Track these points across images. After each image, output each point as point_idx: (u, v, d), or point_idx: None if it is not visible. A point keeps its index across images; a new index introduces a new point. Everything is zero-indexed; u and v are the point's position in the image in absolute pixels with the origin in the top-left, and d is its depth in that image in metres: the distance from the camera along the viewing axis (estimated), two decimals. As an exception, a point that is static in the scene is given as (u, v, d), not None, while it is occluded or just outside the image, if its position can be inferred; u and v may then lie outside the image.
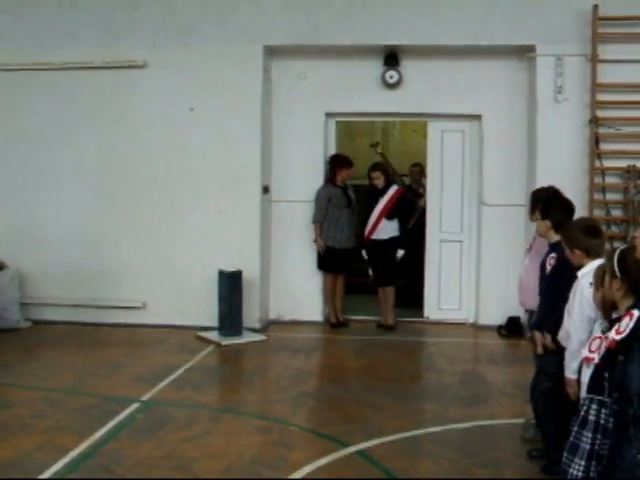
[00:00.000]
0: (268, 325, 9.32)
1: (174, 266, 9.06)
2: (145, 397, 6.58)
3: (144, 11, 9.23)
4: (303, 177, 9.37)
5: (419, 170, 10.31)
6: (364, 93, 9.35)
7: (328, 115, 9.54)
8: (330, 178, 9.38)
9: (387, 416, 6.23)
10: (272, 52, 9.32)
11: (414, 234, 9.53)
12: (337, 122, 9.84)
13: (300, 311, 8.93)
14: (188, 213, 9.02)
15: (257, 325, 9.14)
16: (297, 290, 9.08)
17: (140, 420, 6.04)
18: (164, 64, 9.14)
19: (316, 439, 5.63)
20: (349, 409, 6.34)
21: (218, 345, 8.47)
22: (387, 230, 9.22)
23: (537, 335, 5.09)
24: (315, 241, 9.26)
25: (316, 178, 9.35)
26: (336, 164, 9.39)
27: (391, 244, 9.22)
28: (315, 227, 9.27)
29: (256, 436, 5.72)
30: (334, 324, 9.34)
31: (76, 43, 9.26)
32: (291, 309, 9.06)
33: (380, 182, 9.25)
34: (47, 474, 4.93)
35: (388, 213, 9.22)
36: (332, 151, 9.68)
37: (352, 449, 5.39)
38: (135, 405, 6.36)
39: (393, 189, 9.31)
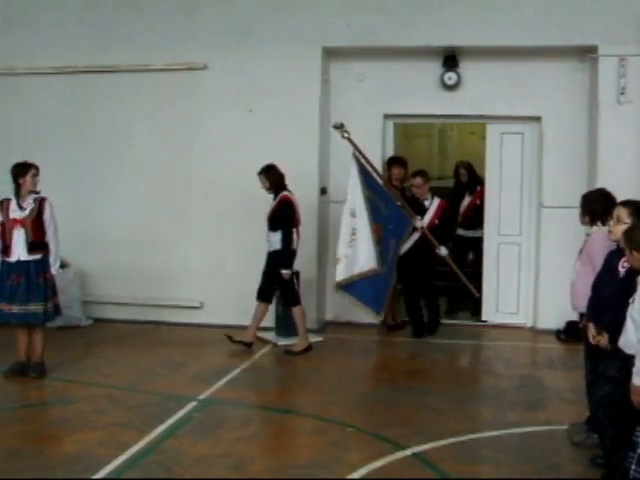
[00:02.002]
0: (325, 326, 9.35)
1: (232, 266, 9.14)
2: (203, 396, 6.66)
3: (203, 13, 9.35)
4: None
5: (422, 182, 9.08)
6: (423, 95, 9.33)
7: (386, 117, 9.53)
8: (387, 179, 9.37)
9: (444, 419, 6.20)
10: (331, 54, 9.35)
11: (292, 253, 8.29)
12: (395, 124, 9.82)
13: (357, 313, 8.91)
14: (245, 214, 9.07)
15: (314, 326, 9.16)
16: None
17: (198, 419, 6.11)
18: (223, 66, 9.25)
19: (372, 441, 5.62)
20: (405, 411, 6.32)
21: (275, 345, 8.53)
22: (272, 242, 8.25)
23: (591, 326, 5.02)
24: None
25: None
26: (388, 163, 9.39)
27: (273, 258, 8.27)
28: None
29: (312, 437, 5.74)
30: (390, 326, 9.33)
31: (137, 46, 9.43)
32: (348, 311, 9.06)
33: (265, 188, 8.27)
34: (107, 469, 5.01)
35: (270, 222, 8.25)
36: (390, 153, 9.68)
37: (408, 452, 5.37)
38: (193, 404, 6.44)
39: (279, 196, 8.23)
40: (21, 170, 7.09)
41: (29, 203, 7.10)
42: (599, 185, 7.23)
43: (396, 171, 9.36)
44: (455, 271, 8.91)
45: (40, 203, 7.11)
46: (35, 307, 7.02)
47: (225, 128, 9.22)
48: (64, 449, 5.44)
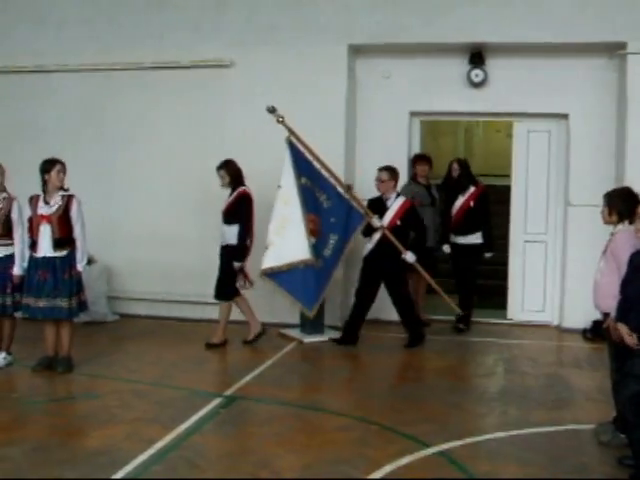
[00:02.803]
0: (349, 324, 9.33)
1: (257, 263, 9.12)
2: (228, 392, 6.68)
3: (230, 11, 9.40)
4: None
5: (387, 178, 8.43)
6: (449, 92, 9.31)
7: (412, 114, 9.52)
8: (413, 176, 9.36)
9: (469, 417, 6.19)
10: (357, 51, 9.34)
11: (247, 248, 8.26)
12: (421, 121, 9.80)
13: (381, 310, 8.91)
14: (267, 210, 9.04)
15: (339, 323, 9.18)
16: (380, 288, 9.03)
17: (223, 415, 6.13)
18: (250, 63, 9.29)
19: (397, 438, 5.60)
20: (431, 409, 6.30)
21: (300, 342, 8.54)
22: (227, 236, 8.20)
23: (622, 326, 4.98)
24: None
25: (401, 177, 9.31)
26: (414, 160, 9.36)
27: (229, 252, 8.22)
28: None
29: (337, 434, 5.73)
30: (416, 324, 9.28)
31: (164, 44, 9.51)
32: (372, 308, 9.03)
33: (225, 182, 8.24)
34: (133, 464, 5.03)
35: (226, 216, 8.20)
36: (416, 150, 9.67)
37: (433, 449, 5.35)
38: (218, 399, 6.46)
39: (237, 191, 8.20)
40: (46, 166, 7.15)
41: (57, 200, 7.14)
42: (627, 183, 7.18)
43: (420, 168, 9.34)
44: (429, 281, 8.67)
45: (68, 200, 7.15)
46: (61, 303, 7.06)
47: (251, 125, 9.23)
48: (90, 443, 5.47)
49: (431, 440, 5.50)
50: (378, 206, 8.38)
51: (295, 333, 8.79)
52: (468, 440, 5.56)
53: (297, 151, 8.19)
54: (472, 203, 9.08)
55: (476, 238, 9.14)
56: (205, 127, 9.37)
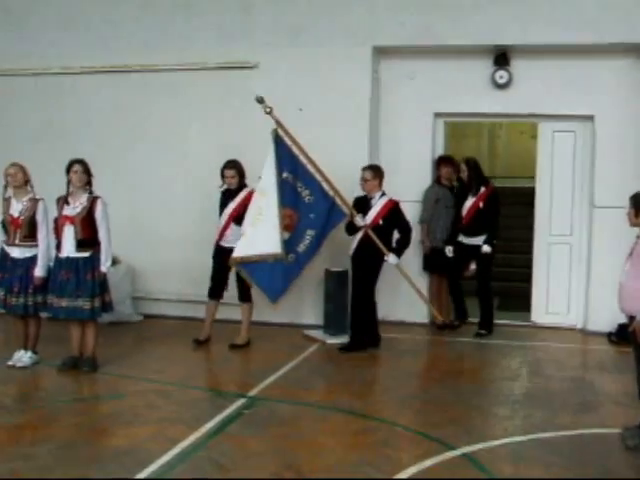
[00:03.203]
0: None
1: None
2: (252, 393, 6.69)
3: (256, 13, 9.42)
4: (410, 177, 9.35)
5: (370, 177, 8.30)
6: (473, 93, 9.28)
7: (437, 115, 9.49)
8: (437, 178, 9.34)
9: (493, 420, 6.17)
10: (381, 52, 9.34)
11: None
12: (445, 123, 9.77)
13: (406, 312, 8.90)
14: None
15: (362, 325, 9.17)
16: (403, 291, 9.03)
17: (247, 415, 6.14)
18: (275, 65, 9.31)
19: (421, 440, 5.60)
20: (455, 411, 6.28)
21: (323, 343, 8.55)
22: (236, 237, 8.13)
23: None
24: (422, 242, 9.25)
25: (424, 179, 9.33)
26: (438, 162, 9.33)
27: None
28: (422, 227, 9.24)
29: (361, 435, 5.74)
30: (440, 326, 9.28)
31: (190, 45, 9.55)
32: (397, 310, 9.04)
33: (234, 182, 8.26)
34: (158, 463, 5.06)
35: (237, 217, 8.19)
36: (440, 152, 9.63)
37: (458, 452, 5.34)
38: (242, 400, 6.47)
39: (244, 192, 8.24)
40: (68, 167, 7.22)
41: (82, 201, 7.19)
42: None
43: (444, 170, 9.31)
44: (411, 286, 8.56)
45: (92, 201, 7.20)
46: (82, 303, 7.12)
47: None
48: (116, 442, 5.51)
49: (455, 442, 5.49)
50: (363, 205, 8.25)
51: (318, 334, 8.79)
52: (492, 443, 5.55)
53: (283, 145, 8.11)
54: (482, 204, 8.93)
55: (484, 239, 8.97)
56: (231, 128, 9.39)
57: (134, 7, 9.80)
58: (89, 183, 7.26)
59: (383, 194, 8.33)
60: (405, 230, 8.31)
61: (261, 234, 7.88)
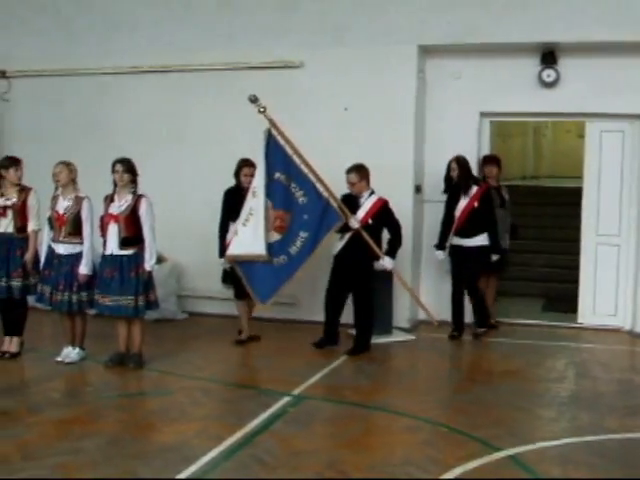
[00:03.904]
0: (417, 325, 9.31)
1: (327, 264, 9.12)
2: (296, 391, 6.71)
3: (300, 12, 9.43)
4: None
5: (357, 179, 8.16)
6: (520, 92, 9.18)
7: (482, 115, 9.41)
8: (482, 178, 9.28)
9: (539, 421, 6.12)
10: (427, 51, 9.30)
11: None
12: (491, 122, 9.70)
13: (448, 312, 8.84)
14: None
15: (406, 325, 9.16)
16: (447, 291, 8.99)
17: (291, 414, 6.16)
18: (320, 64, 9.32)
19: (466, 441, 5.56)
20: (499, 412, 6.23)
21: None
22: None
23: None
24: (468, 241, 9.21)
25: (470, 178, 9.25)
26: (483, 161, 9.28)
27: None
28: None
29: (405, 435, 5.73)
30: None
31: (234, 44, 9.59)
32: (440, 310, 8.98)
33: (251, 180, 8.11)
34: (203, 460, 5.11)
35: None
36: (485, 151, 9.56)
37: (503, 453, 5.30)
38: (286, 398, 6.50)
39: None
40: (112, 167, 7.32)
41: (127, 199, 7.28)
42: None
43: (488, 170, 9.23)
44: (407, 289, 8.48)
45: (137, 200, 7.28)
46: (126, 301, 7.20)
47: (321, 125, 9.26)
48: (162, 438, 5.57)
49: (500, 444, 5.45)
50: (350, 204, 8.08)
51: (362, 333, 8.78)
52: (538, 444, 5.49)
53: (276, 145, 7.97)
54: (476, 204, 8.61)
55: (482, 240, 8.66)
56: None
57: (179, 7, 9.89)
58: (134, 182, 7.34)
59: (372, 192, 8.19)
60: (396, 229, 8.17)
61: (249, 234, 7.83)
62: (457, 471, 4.97)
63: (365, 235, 7.95)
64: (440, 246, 8.77)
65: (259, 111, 7.83)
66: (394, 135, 9.06)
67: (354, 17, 9.24)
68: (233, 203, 8.19)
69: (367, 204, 8.12)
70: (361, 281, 8.14)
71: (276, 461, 5.15)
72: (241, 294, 8.32)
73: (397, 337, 8.78)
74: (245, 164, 8.29)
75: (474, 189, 8.62)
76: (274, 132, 7.94)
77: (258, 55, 9.45)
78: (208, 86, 9.73)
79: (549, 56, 9.05)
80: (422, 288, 9.44)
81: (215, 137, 9.66)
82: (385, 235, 8.30)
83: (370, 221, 8.06)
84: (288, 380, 7.04)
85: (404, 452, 5.35)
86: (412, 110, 9.14)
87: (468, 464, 5.09)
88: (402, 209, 8.83)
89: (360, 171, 8.12)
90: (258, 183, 7.87)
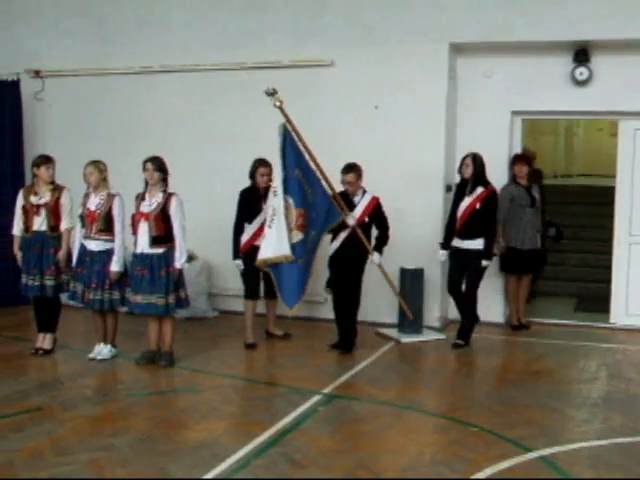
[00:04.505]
0: (448, 324, 9.27)
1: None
2: (326, 390, 6.72)
3: (331, 11, 9.43)
4: (487, 176, 9.21)
5: (354, 179, 8.02)
6: (552, 90, 9.11)
7: (514, 113, 9.35)
8: (512, 177, 9.21)
9: (571, 423, 6.06)
10: (458, 50, 9.25)
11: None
12: (523, 120, 9.63)
13: (480, 312, 8.78)
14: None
15: (437, 324, 9.13)
16: (479, 290, 8.94)
17: (322, 412, 6.17)
18: (350, 63, 9.31)
19: (497, 441, 5.53)
20: (531, 413, 6.19)
21: (397, 342, 8.52)
22: None
23: None
24: (498, 242, 9.14)
25: (501, 177, 9.19)
26: (513, 160, 9.22)
27: None
28: (497, 227, 9.12)
29: (436, 435, 5.72)
30: (515, 326, 9.18)
31: (265, 44, 9.62)
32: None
33: (267, 181, 8.08)
34: (234, 458, 5.13)
35: None
36: (517, 150, 9.50)
37: (535, 454, 5.26)
38: (317, 397, 6.50)
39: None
40: (142, 165, 7.36)
41: (157, 198, 7.32)
42: None
43: (517, 169, 9.16)
44: (390, 285, 8.36)
45: (167, 198, 7.32)
46: (157, 299, 7.24)
47: (352, 124, 9.26)
48: (192, 436, 5.59)
49: (532, 444, 5.42)
50: (344, 202, 7.95)
51: (393, 333, 8.77)
52: (570, 446, 5.45)
53: (292, 140, 7.80)
54: (478, 205, 8.12)
55: (480, 243, 8.17)
56: (305, 126, 9.39)
57: (209, 7, 9.93)
58: (164, 180, 7.38)
59: (365, 191, 8.11)
60: (385, 227, 8.12)
61: (275, 235, 7.64)
62: (488, 471, 4.95)
63: (360, 233, 7.91)
64: (445, 246, 8.42)
65: (274, 105, 7.69)
66: (425, 134, 9.02)
67: (385, 15, 9.22)
68: (248, 204, 8.19)
69: (363, 202, 8.04)
70: (354, 278, 8.08)
71: (306, 459, 5.16)
72: (251, 294, 8.31)
73: (427, 336, 8.75)
74: (261, 164, 8.23)
75: (479, 190, 8.17)
76: (289, 128, 7.82)
77: (288, 54, 9.47)
78: (239, 85, 9.75)
79: (582, 54, 8.97)
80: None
81: (245, 136, 9.67)
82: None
83: (366, 219, 8.01)
84: (318, 379, 7.05)
85: (434, 452, 5.34)
86: (443, 109, 9.10)
87: (499, 464, 5.07)
88: (433, 208, 8.82)
89: (357, 171, 8.03)
90: (277, 182, 7.73)
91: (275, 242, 7.64)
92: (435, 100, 9.07)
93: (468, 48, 9.20)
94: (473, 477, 4.88)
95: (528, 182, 9.22)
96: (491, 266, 9.12)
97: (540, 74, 9.12)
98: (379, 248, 8.11)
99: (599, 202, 11.45)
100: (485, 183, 8.23)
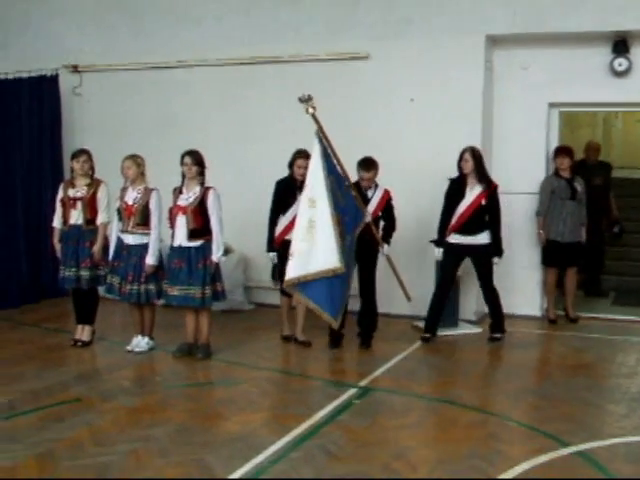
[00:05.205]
0: (484, 318, 9.22)
1: (392, 256, 9.09)
2: (362, 383, 6.72)
3: (366, 4, 9.42)
4: (524, 169, 9.19)
5: (373, 176, 7.91)
6: (590, 82, 9.01)
7: (551, 105, 9.27)
8: (555, 170, 9.13)
9: (610, 418, 6.00)
10: (494, 42, 9.19)
11: None
12: (560, 113, 9.54)
13: (517, 305, 8.76)
14: (404, 202, 8.96)
15: (473, 317, 9.09)
16: (515, 283, 8.91)
17: (358, 405, 6.17)
18: (385, 56, 9.29)
19: (534, 436, 5.50)
20: (569, 407, 6.13)
21: (433, 335, 8.49)
22: None
23: None
24: (539, 233, 9.09)
25: (538, 170, 9.13)
26: (556, 152, 9.13)
27: None
28: (537, 220, 9.07)
29: (472, 428, 5.68)
30: (553, 320, 9.11)
31: (300, 37, 9.64)
32: (508, 302, 8.87)
33: (305, 172, 7.60)
34: (271, 450, 5.15)
35: None
36: (554, 142, 9.41)
37: (572, 449, 5.21)
38: (353, 390, 6.51)
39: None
40: (180, 159, 7.41)
41: (195, 191, 7.37)
42: None
43: (559, 161, 9.08)
44: (396, 276, 8.10)
45: (205, 192, 7.36)
46: (194, 291, 7.29)
47: (388, 117, 9.24)
48: (229, 428, 5.63)
49: (570, 439, 5.37)
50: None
51: (428, 326, 8.75)
52: (609, 441, 5.40)
53: (324, 147, 7.36)
54: (484, 201, 8.01)
55: (486, 237, 8.13)
56: (341, 119, 9.40)
57: (244, 1, 9.96)
58: (202, 174, 7.42)
59: (377, 185, 8.00)
60: (393, 218, 8.03)
61: (319, 248, 7.09)
62: (524, 466, 4.92)
63: (374, 228, 7.81)
64: (440, 243, 8.24)
65: (307, 111, 7.32)
66: (461, 126, 8.96)
67: (420, 8, 9.18)
68: (284, 195, 8.04)
69: (376, 197, 7.92)
70: (369, 272, 8.00)
71: (343, 452, 5.17)
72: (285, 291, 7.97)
73: (463, 330, 8.72)
74: (300, 155, 8.01)
75: (483, 186, 8.05)
76: (321, 134, 7.43)
77: (324, 47, 9.46)
78: (274, 79, 9.78)
79: (621, 44, 8.86)
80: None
81: (281, 129, 9.68)
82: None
83: (380, 213, 7.91)
84: (354, 372, 7.08)
85: (471, 445, 5.31)
86: (479, 101, 9.04)
87: (536, 459, 5.03)
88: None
89: (377, 168, 7.90)
90: (317, 189, 7.16)
91: (318, 256, 7.10)
92: (471, 93, 9.02)
93: (504, 40, 9.13)
94: (511, 470, 4.84)
95: (571, 174, 9.12)
96: (535, 258, 9.11)
97: (578, 65, 9.03)
98: (387, 239, 8.02)
99: (637, 194, 11.30)
100: (487, 178, 8.12)
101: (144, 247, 7.47)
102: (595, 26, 8.64)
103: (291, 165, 8.13)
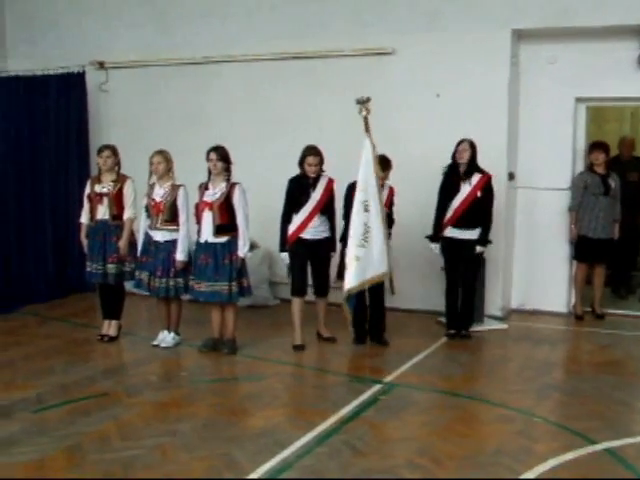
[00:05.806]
0: (509, 313, 9.19)
1: (418, 251, 9.05)
2: (388, 379, 6.72)
3: (392, -1, 9.39)
4: (550, 164, 9.12)
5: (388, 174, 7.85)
6: (618, 77, 8.89)
7: (578, 100, 9.18)
8: (589, 165, 9.05)
9: (638, 415, 5.97)
10: (520, 36, 9.11)
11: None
12: (587, 108, 9.45)
13: (544, 301, 8.70)
14: (430, 198, 8.85)
15: (498, 313, 9.05)
16: (541, 279, 8.85)
17: (383, 401, 6.17)
18: (412, 50, 9.24)
19: (561, 433, 5.47)
20: (596, 405, 6.09)
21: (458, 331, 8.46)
22: (318, 228, 7.75)
23: None
24: (570, 229, 9.03)
25: (564, 165, 9.06)
26: (590, 148, 9.05)
27: (329, 245, 7.86)
28: (570, 215, 9.00)
29: (499, 425, 5.66)
30: (579, 316, 9.04)
31: (326, 32, 9.62)
32: (534, 298, 8.83)
33: (317, 170, 7.71)
34: (296, 445, 5.17)
35: (323, 208, 7.75)
36: (581, 138, 9.33)
37: (600, 447, 5.18)
38: (378, 386, 6.51)
39: (325, 179, 7.80)
40: (206, 155, 7.42)
41: (221, 187, 7.39)
42: None
43: (593, 156, 8.99)
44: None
45: (231, 188, 7.38)
46: (221, 287, 7.32)
47: (414, 112, 9.19)
48: (255, 423, 5.65)
49: (597, 437, 5.34)
50: None
51: (452, 322, 8.71)
52: (637, 439, 5.36)
53: (368, 152, 7.47)
54: (479, 193, 7.92)
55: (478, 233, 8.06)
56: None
57: (270, -2, 9.99)
58: (228, 170, 7.43)
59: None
60: (392, 212, 7.98)
61: (375, 253, 7.30)
62: (551, 462, 4.90)
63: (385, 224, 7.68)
64: (435, 238, 8.14)
65: (360, 112, 7.47)
66: (487, 121, 8.90)
67: (446, 2, 9.13)
68: (297, 192, 7.88)
69: (385, 193, 7.81)
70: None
71: (368, 447, 5.18)
72: (298, 290, 7.87)
73: (489, 325, 8.68)
74: (310, 152, 7.78)
75: (477, 177, 7.96)
76: (370, 138, 7.54)
77: (350, 42, 9.44)
78: (300, 74, 9.77)
79: (649, 38, 8.77)
80: (515, 273, 9.29)
81: (307, 124, 9.67)
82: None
83: (386, 210, 7.75)
84: (379, 368, 7.07)
85: (497, 442, 5.30)
86: (505, 96, 8.98)
87: (562, 456, 5.01)
88: (495, 196, 8.69)
89: (391, 167, 7.87)
90: (369, 194, 7.32)
91: (373, 264, 7.27)
92: (497, 87, 8.96)
93: (531, 34, 9.05)
94: (536, 468, 4.82)
95: (605, 170, 9.03)
96: (561, 253, 9.04)
97: (605, 60, 8.93)
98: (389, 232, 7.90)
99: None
100: (480, 169, 8.03)
101: (172, 243, 7.51)
102: (622, 20, 8.54)
103: (301, 163, 7.91)
